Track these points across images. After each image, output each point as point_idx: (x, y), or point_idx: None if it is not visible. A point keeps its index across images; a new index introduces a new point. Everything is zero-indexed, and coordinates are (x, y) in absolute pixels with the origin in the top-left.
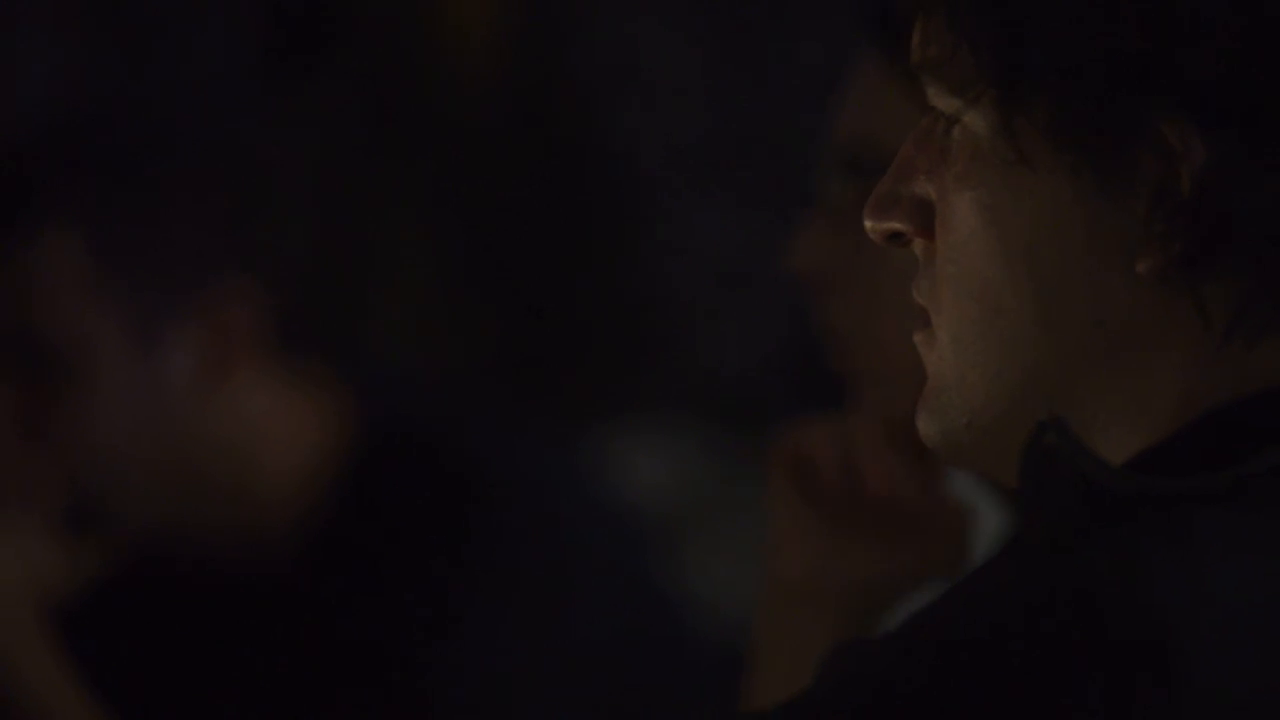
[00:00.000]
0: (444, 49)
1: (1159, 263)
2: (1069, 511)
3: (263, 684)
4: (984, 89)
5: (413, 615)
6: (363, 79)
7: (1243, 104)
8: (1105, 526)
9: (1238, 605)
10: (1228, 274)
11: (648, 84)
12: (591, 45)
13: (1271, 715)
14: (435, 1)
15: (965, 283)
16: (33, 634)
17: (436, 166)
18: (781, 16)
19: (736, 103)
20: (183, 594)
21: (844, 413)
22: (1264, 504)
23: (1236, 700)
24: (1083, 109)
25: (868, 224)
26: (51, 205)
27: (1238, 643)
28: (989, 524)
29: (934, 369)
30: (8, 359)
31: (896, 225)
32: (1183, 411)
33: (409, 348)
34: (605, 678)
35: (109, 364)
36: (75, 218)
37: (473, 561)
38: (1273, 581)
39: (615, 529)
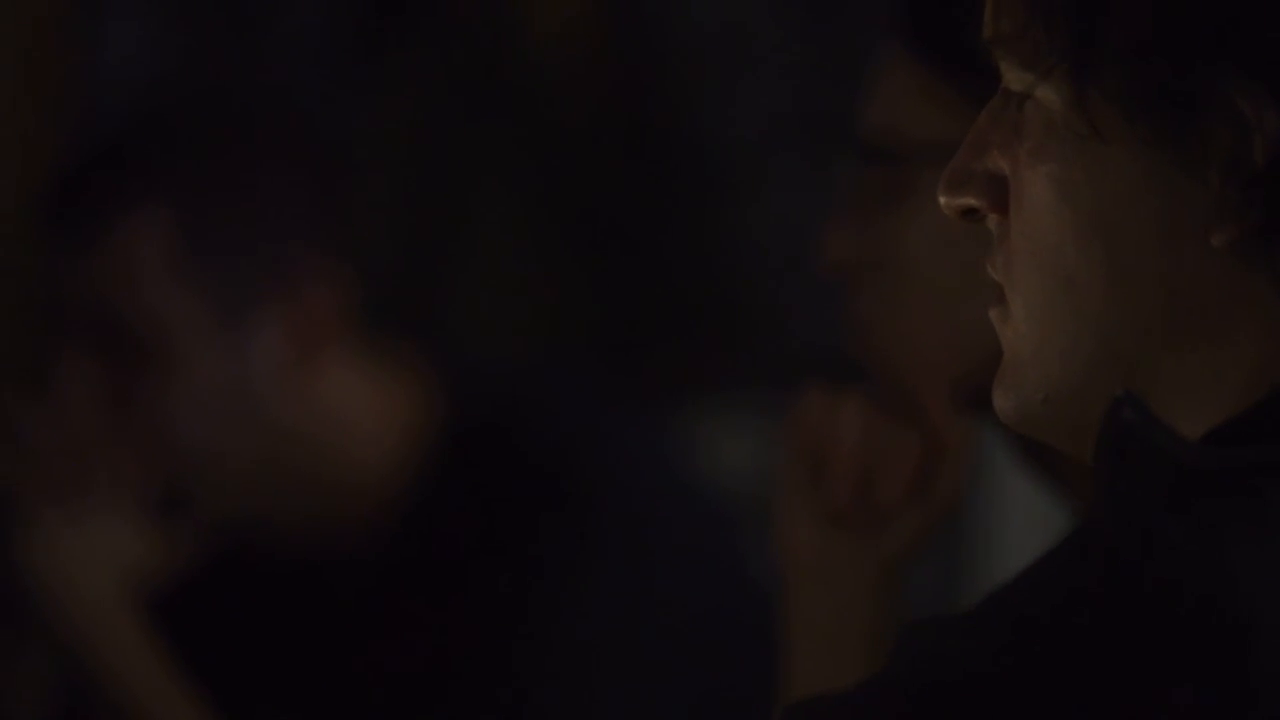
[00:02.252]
0: (534, 27)
1: (1234, 235)
2: (1147, 487)
3: (350, 670)
4: (1056, 63)
5: (500, 600)
6: (452, 57)
7: None
8: (1183, 502)
9: None
10: None
11: (741, 62)
12: (684, 22)
13: None
14: None
15: (1039, 257)
16: (123, 617)
17: (525, 146)
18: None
19: (830, 85)
20: (271, 579)
21: (865, 390)
22: None
23: None
24: (1155, 81)
25: (942, 200)
26: (140, 185)
27: None
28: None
29: (1009, 345)
30: (96, 339)
31: (970, 201)
32: (1258, 384)
33: (495, 330)
34: (691, 660)
35: (195, 345)
36: (163, 198)
37: (560, 545)
38: None
39: (702, 511)
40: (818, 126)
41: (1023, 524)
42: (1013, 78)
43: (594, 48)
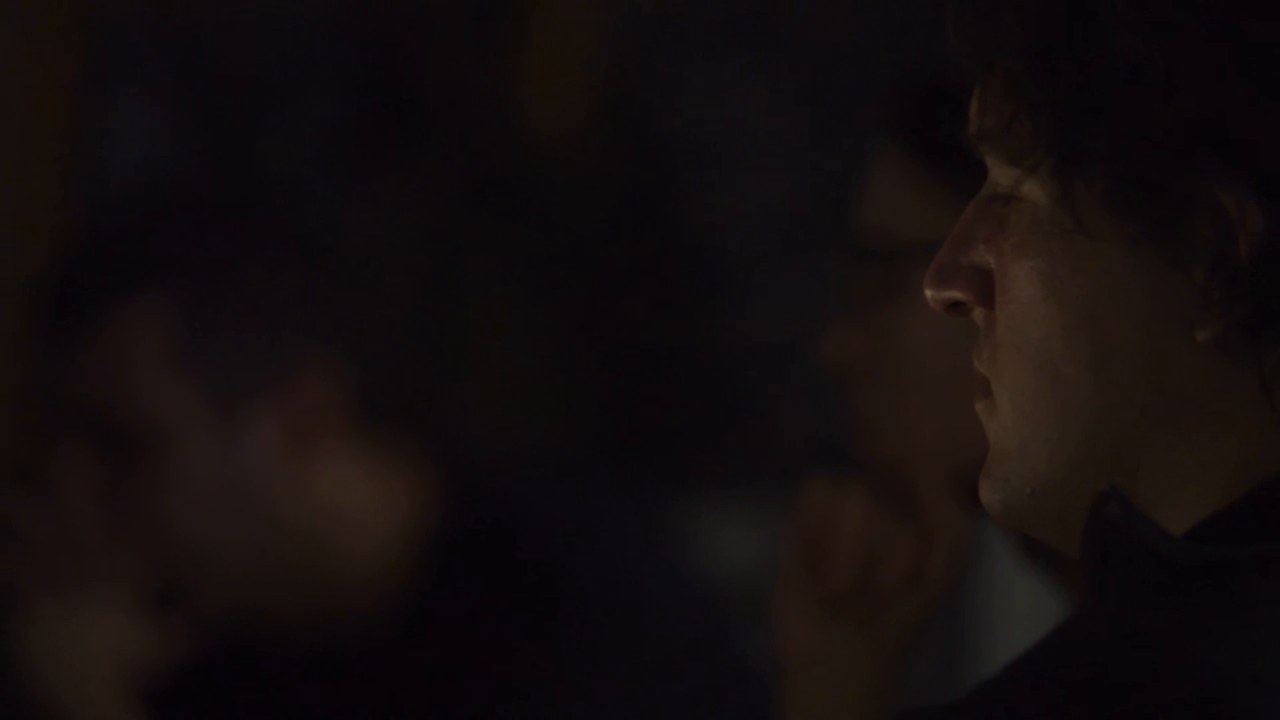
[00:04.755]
0: (533, 119)
1: (1218, 331)
2: (1131, 581)
3: None
4: (1042, 158)
5: (498, 694)
6: (451, 149)
7: None
8: (1167, 596)
9: None
10: None
11: (740, 161)
12: (681, 112)
13: None
14: (523, 71)
15: (1025, 352)
16: (118, 708)
17: (524, 237)
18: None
19: (828, 182)
20: (268, 672)
21: (863, 481)
22: None
23: None
24: (1140, 178)
25: (928, 293)
26: (137, 276)
27: None
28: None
29: (995, 438)
30: (92, 430)
31: (956, 294)
32: (1242, 479)
33: (494, 423)
34: None
35: (191, 438)
36: (160, 289)
37: (558, 640)
38: None
39: (701, 604)
40: (816, 222)
41: (1020, 613)
42: (998, 173)
43: (594, 146)
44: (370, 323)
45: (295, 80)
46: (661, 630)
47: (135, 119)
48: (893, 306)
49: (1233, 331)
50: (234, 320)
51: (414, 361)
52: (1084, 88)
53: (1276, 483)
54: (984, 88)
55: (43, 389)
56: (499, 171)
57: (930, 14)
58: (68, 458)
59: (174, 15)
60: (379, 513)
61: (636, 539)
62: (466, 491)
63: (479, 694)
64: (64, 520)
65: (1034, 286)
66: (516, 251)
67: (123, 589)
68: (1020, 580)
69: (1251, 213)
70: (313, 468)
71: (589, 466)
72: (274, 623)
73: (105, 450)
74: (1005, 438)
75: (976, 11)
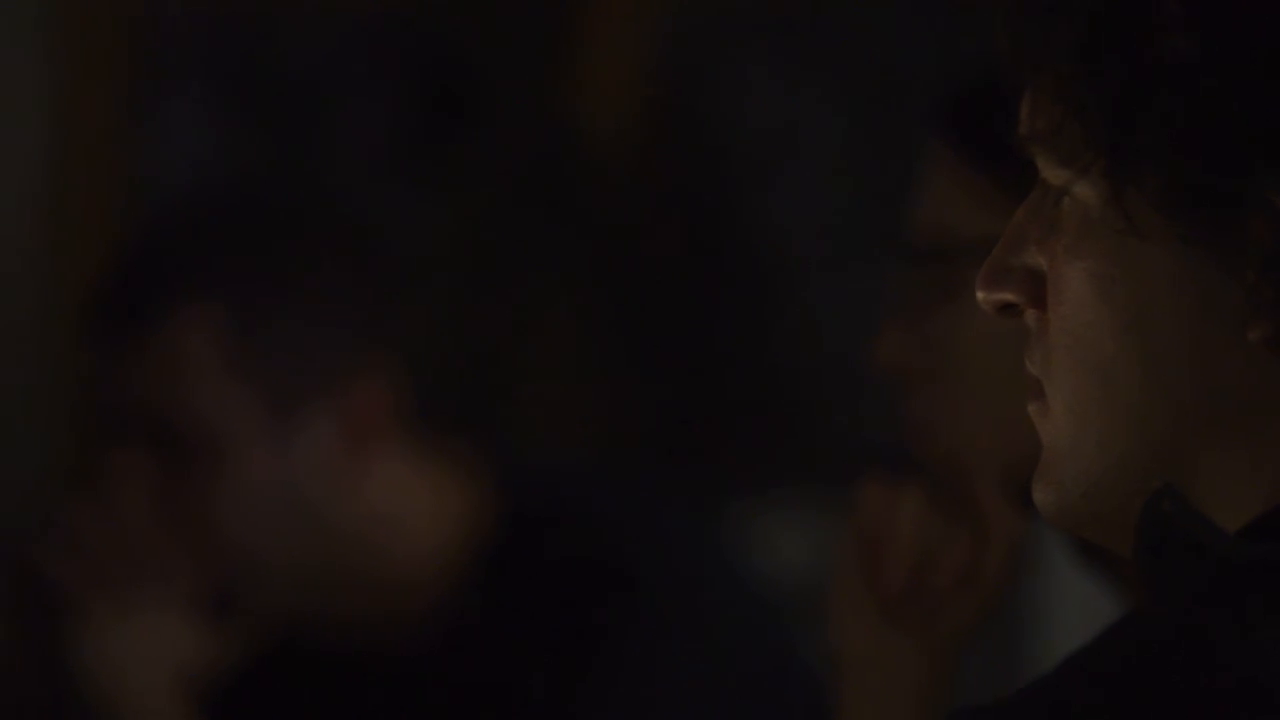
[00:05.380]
0: (588, 121)
1: (1269, 330)
2: (1186, 580)
3: None
4: (1093, 160)
5: (555, 697)
6: (505, 153)
7: None
8: (1222, 594)
9: None
10: None
11: (794, 157)
12: (735, 113)
13: None
14: (578, 75)
15: (1077, 353)
16: (173, 712)
17: (579, 240)
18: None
19: (882, 175)
20: (322, 675)
21: (919, 482)
22: None
23: None
24: (1192, 178)
25: (980, 295)
26: (192, 281)
27: None
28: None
29: (1048, 440)
30: (148, 435)
31: (1008, 296)
32: None
33: (550, 425)
34: None
35: (246, 442)
36: (216, 293)
37: (615, 641)
38: None
39: (757, 605)
40: (871, 224)
41: (1074, 614)
42: (1050, 174)
43: (648, 148)
44: (424, 326)
45: (349, 82)
46: (719, 632)
47: (189, 123)
48: (947, 309)
49: None
50: (289, 324)
51: (468, 364)
52: (1135, 89)
53: None
54: (1034, 89)
55: (99, 395)
56: (553, 174)
57: (982, 17)
58: (124, 463)
59: (228, 19)
60: (434, 516)
61: (693, 542)
62: (522, 495)
63: (535, 699)
64: (120, 525)
65: (1085, 288)
66: (571, 253)
67: (178, 593)
68: (1075, 581)
69: None
70: (368, 471)
71: (645, 469)
72: (328, 626)
73: (161, 455)
74: (1058, 439)
75: (1026, 13)
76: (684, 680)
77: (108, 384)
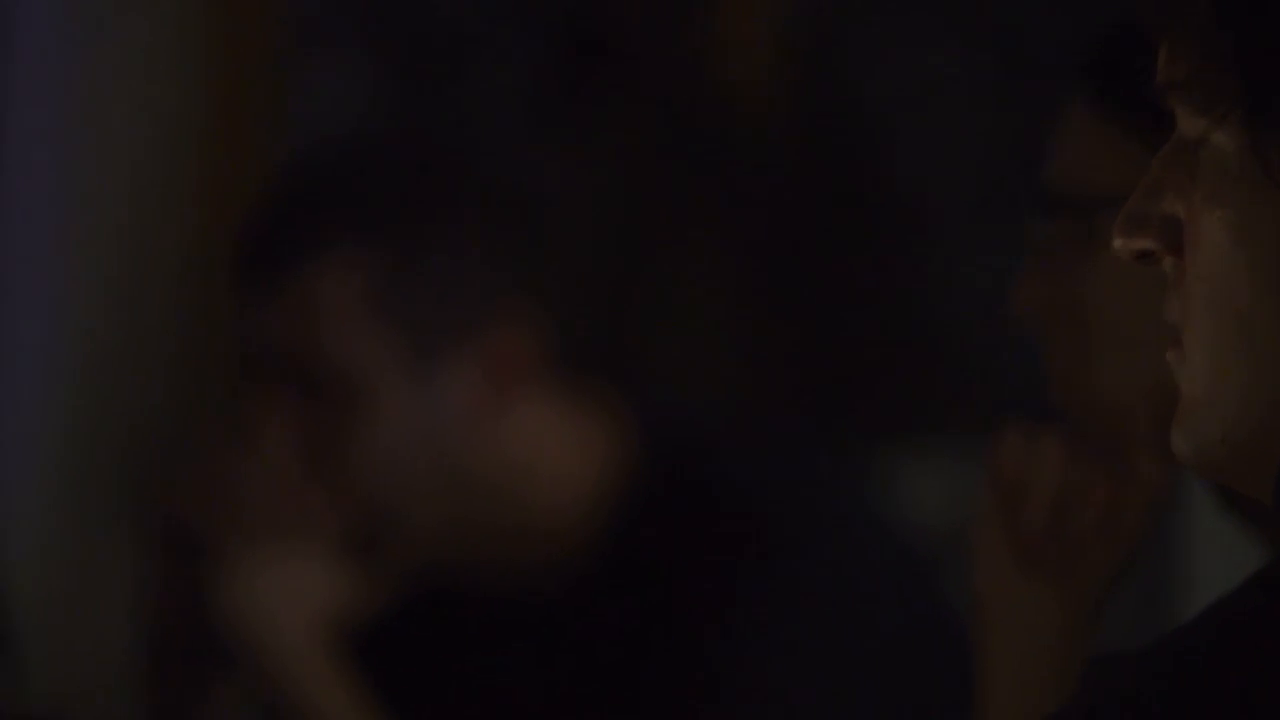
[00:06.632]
0: (727, 71)
1: None
2: None
3: (542, 713)
4: (1231, 108)
5: (696, 643)
6: (645, 102)
7: None
8: None
9: None
10: None
11: (935, 112)
12: (874, 64)
13: None
14: (717, 26)
15: (1215, 301)
16: (318, 655)
17: (718, 187)
18: (1065, 36)
19: (1019, 124)
20: (464, 620)
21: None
22: None
23: None
24: None
25: (1117, 242)
26: (336, 226)
27: None
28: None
29: (1186, 387)
30: (290, 382)
31: (1146, 244)
32: None
33: (691, 373)
34: (890, 698)
35: (389, 386)
36: (358, 238)
37: (757, 588)
38: None
39: (900, 552)
40: (1008, 173)
41: (1218, 562)
42: (1187, 123)
43: (788, 99)
44: (566, 272)
45: (492, 31)
46: (858, 580)
47: (333, 70)
48: (1084, 257)
49: None
50: (431, 270)
51: (609, 311)
52: (1272, 35)
53: None
54: (1172, 37)
55: (243, 341)
56: (693, 122)
57: None
58: (267, 408)
59: None
60: (575, 464)
61: (836, 490)
62: (663, 443)
63: (674, 648)
64: (264, 471)
65: (1223, 236)
66: (712, 201)
67: (320, 538)
68: (1218, 528)
69: None
70: (509, 417)
71: (786, 418)
72: (468, 571)
73: (303, 400)
74: (1195, 386)
75: None
76: (821, 629)
77: (251, 328)
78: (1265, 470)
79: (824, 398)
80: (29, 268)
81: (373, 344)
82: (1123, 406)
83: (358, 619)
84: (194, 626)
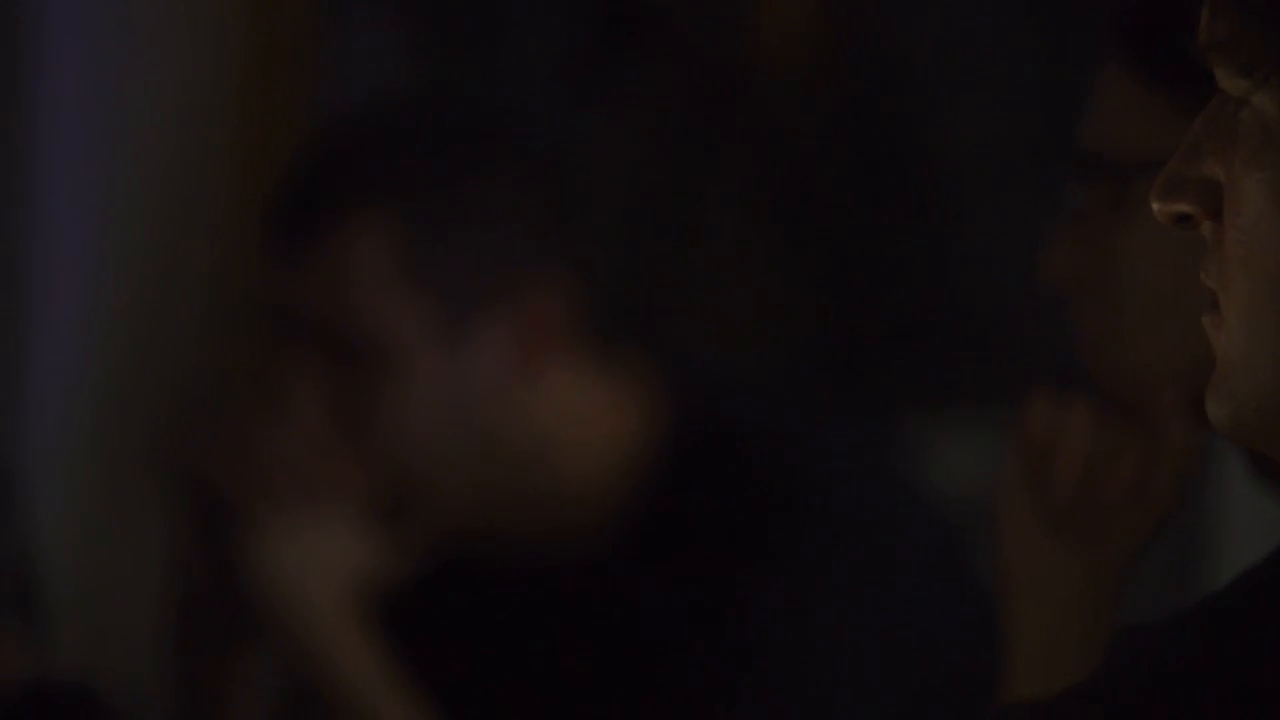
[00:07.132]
0: (763, 40)
1: None
2: None
3: (571, 680)
4: (1272, 69)
5: (726, 611)
6: (680, 70)
7: None
8: None
9: None
10: None
11: (971, 79)
12: (909, 35)
13: None
14: None
15: (1254, 265)
16: (347, 622)
17: (753, 156)
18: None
19: (1055, 87)
20: (494, 588)
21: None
22: None
23: None
24: None
25: (1155, 206)
26: (367, 189)
27: None
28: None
29: (1222, 352)
30: (321, 348)
31: (1184, 207)
32: None
33: (723, 341)
34: (918, 665)
35: (420, 350)
36: (390, 202)
37: (787, 556)
38: None
39: (930, 520)
40: (1043, 137)
41: (1250, 530)
42: (1228, 84)
43: (823, 63)
44: (598, 239)
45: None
46: (892, 547)
47: (368, 34)
48: (1119, 222)
49: None
50: (464, 235)
51: (642, 279)
52: None
53: None
54: None
55: (274, 305)
56: (727, 87)
57: None
58: (298, 374)
59: None
60: (605, 431)
61: (866, 457)
62: (695, 409)
63: (704, 614)
64: (294, 436)
65: (1263, 199)
66: (744, 168)
67: (350, 504)
68: (1250, 495)
69: None
70: (540, 384)
71: (817, 385)
72: (498, 538)
73: (334, 366)
74: (1231, 352)
75: None
76: (851, 595)
77: (284, 292)
78: None
79: (855, 365)
80: (64, 234)
81: (404, 309)
82: (1152, 374)
83: (386, 586)
84: (223, 592)
